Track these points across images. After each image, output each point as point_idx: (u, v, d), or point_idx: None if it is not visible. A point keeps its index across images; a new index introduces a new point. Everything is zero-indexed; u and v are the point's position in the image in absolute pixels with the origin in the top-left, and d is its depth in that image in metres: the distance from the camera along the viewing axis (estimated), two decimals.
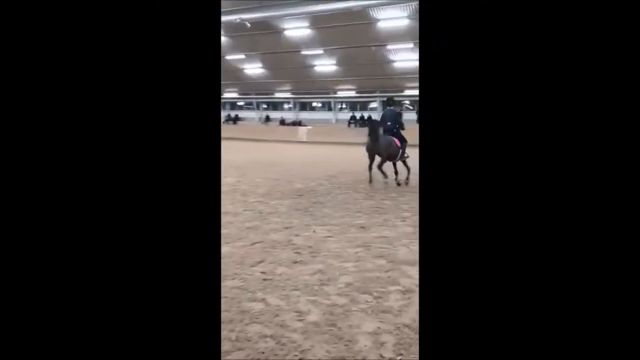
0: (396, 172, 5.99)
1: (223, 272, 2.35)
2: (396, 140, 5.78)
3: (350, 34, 15.24)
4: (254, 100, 22.75)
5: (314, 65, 18.51)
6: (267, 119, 22.51)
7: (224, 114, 22.09)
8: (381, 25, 14.73)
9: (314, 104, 22.28)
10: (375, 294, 2.20)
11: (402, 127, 6.04)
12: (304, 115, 21.81)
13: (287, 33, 16.35)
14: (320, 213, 4.17)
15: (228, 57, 18.36)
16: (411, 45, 15.51)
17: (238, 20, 14.07)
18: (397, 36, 15.13)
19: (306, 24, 15.60)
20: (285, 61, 18.41)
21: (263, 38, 16.53)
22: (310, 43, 16.79)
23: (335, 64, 18.08)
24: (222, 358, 1.52)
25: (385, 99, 7.27)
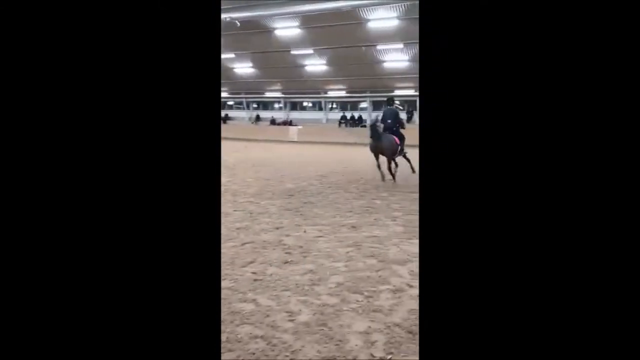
0: (396, 165, 6.40)
1: None
2: (396, 139, 6.08)
3: (340, 34, 15.27)
4: (244, 100, 22.63)
5: (304, 65, 18.49)
6: (258, 118, 22.41)
7: None
8: (371, 25, 14.79)
9: (305, 104, 22.26)
10: (366, 293, 2.20)
11: (402, 125, 6.37)
12: (295, 114, 21.78)
13: (277, 32, 16.31)
14: (311, 213, 4.17)
15: None
16: (401, 45, 15.60)
17: (228, 19, 13.97)
18: (387, 36, 15.20)
19: (296, 23, 15.58)
20: (276, 60, 18.35)
21: (253, 37, 16.45)
22: (300, 43, 16.77)
23: (326, 64, 18.09)
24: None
25: (386, 98, 7.60)
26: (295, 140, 18.44)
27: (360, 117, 19.86)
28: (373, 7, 13.49)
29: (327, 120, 20.93)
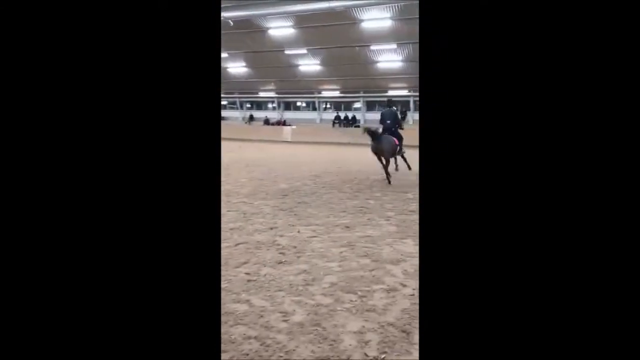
0: (396, 166, 6.81)
1: None
2: (395, 139, 6.33)
3: (334, 34, 15.28)
4: (237, 100, 22.54)
5: (298, 65, 18.47)
6: (251, 118, 22.34)
7: None
8: (364, 25, 14.81)
9: (299, 104, 22.24)
10: (359, 293, 2.21)
11: (400, 126, 6.65)
12: (289, 114, 21.74)
13: (270, 32, 16.27)
14: (304, 213, 4.17)
15: None
16: (394, 46, 15.65)
17: (221, 19, 13.90)
18: (380, 37, 15.24)
19: (290, 23, 15.56)
20: (270, 60, 18.31)
21: (246, 37, 16.40)
22: (294, 42, 16.75)
23: (319, 64, 18.09)
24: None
25: (385, 101, 7.96)
26: (289, 140, 18.41)
27: (354, 117, 19.89)
28: (366, 7, 13.52)
29: (321, 120, 20.93)
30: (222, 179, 6.48)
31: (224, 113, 23.08)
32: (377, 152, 6.20)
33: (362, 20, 14.52)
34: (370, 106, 20.20)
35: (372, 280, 2.39)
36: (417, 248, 3.03)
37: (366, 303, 2.09)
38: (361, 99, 19.98)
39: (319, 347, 1.67)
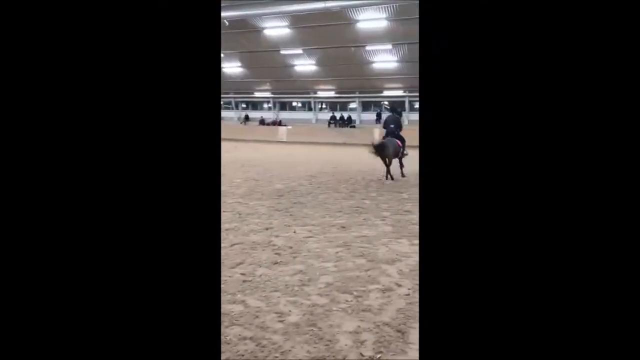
0: (401, 165, 7.15)
1: None
2: (398, 142, 6.82)
3: (330, 34, 15.29)
4: (232, 100, 22.47)
5: (294, 65, 18.46)
6: (247, 118, 22.29)
7: None
8: (360, 26, 14.84)
9: (294, 104, 22.22)
10: (355, 293, 2.21)
11: (401, 128, 7.18)
12: (284, 115, 21.72)
13: (266, 32, 16.25)
14: (300, 213, 4.16)
15: None
16: (389, 46, 15.70)
17: None
18: (376, 37, 15.28)
19: (285, 23, 15.55)
20: (265, 60, 18.29)
21: (242, 37, 16.36)
22: (289, 42, 16.74)
23: (315, 64, 18.09)
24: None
25: (389, 106, 8.60)
26: (285, 140, 18.40)
27: (349, 118, 19.91)
28: (362, 7, 13.55)
29: (317, 120, 20.94)
30: None
31: None
32: (382, 155, 6.61)
33: (357, 21, 14.55)
34: (365, 106, 20.24)
35: (368, 280, 2.39)
36: (412, 248, 3.04)
37: (362, 303, 2.09)
38: (357, 99, 20.00)
39: (314, 347, 1.67)
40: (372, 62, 17.00)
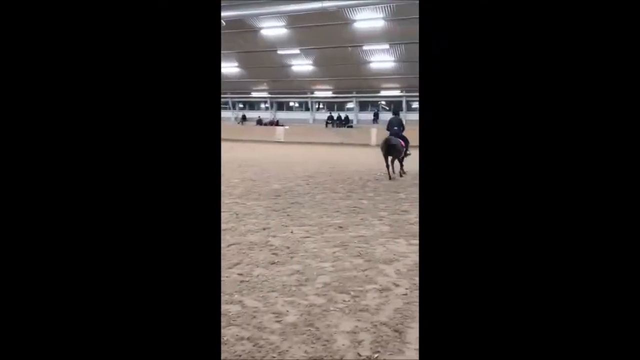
0: (401, 166, 7.46)
1: None
2: (401, 142, 7.13)
3: (327, 34, 15.30)
4: (229, 100, 22.44)
5: (291, 65, 18.45)
6: (244, 118, 22.26)
7: None
8: (357, 26, 14.85)
9: (291, 104, 22.21)
10: (352, 293, 2.21)
11: (404, 129, 7.53)
12: (281, 115, 21.71)
13: (263, 32, 16.23)
14: (298, 213, 4.16)
15: None
16: (387, 46, 15.72)
17: None
18: (373, 37, 15.29)
19: (282, 23, 15.54)
20: (262, 60, 18.27)
21: (239, 37, 16.34)
22: (286, 42, 16.73)
23: (312, 64, 18.09)
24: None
25: (390, 108, 9.24)
26: (282, 140, 18.39)
27: (347, 118, 19.92)
28: (359, 7, 13.56)
29: (314, 120, 20.94)
30: None
31: None
32: (389, 154, 6.97)
33: (354, 21, 14.56)
34: (363, 106, 20.26)
35: (365, 280, 2.39)
36: (409, 248, 3.04)
37: (359, 303, 2.09)
38: (354, 99, 20.02)
39: (312, 347, 1.67)
40: (369, 62, 17.02)
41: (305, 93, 20.62)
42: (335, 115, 20.15)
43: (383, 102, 19.75)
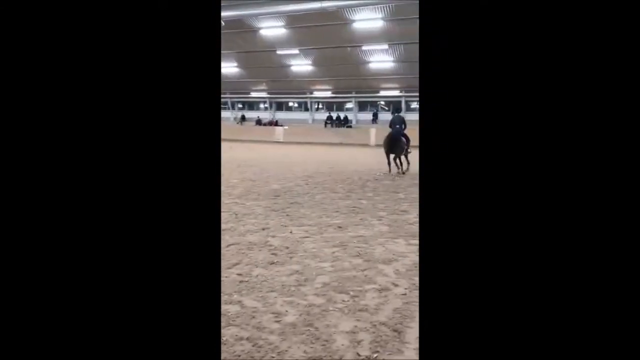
0: (408, 162, 7.65)
1: None
2: (404, 139, 7.40)
3: (326, 35, 15.31)
4: (228, 100, 22.43)
5: (290, 65, 18.46)
6: (243, 118, 22.26)
7: None
8: (356, 26, 14.86)
9: (291, 104, 22.21)
10: (352, 293, 2.21)
11: (405, 127, 7.72)
12: (281, 115, 21.72)
13: (262, 32, 16.23)
14: (297, 214, 4.16)
15: None
16: (386, 46, 15.73)
17: None
18: (372, 37, 15.30)
19: (281, 23, 15.54)
20: (261, 60, 18.27)
21: (238, 37, 16.34)
22: (285, 42, 16.73)
23: (311, 64, 18.10)
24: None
25: (390, 108, 9.62)
26: (281, 140, 18.39)
27: (346, 118, 19.93)
28: (358, 7, 13.57)
29: (313, 120, 20.94)
30: None
31: None
32: (392, 152, 7.23)
33: (353, 21, 14.57)
34: (362, 106, 20.27)
35: (364, 280, 2.40)
36: (408, 248, 3.05)
37: (358, 303, 2.09)
38: (353, 99, 20.03)
39: (311, 347, 1.67)
40: (369, 62, 17.03)
41: (305, 93, 20.62)
42: (334, 115, 20.15)
43: (382, 102, 19.76)
